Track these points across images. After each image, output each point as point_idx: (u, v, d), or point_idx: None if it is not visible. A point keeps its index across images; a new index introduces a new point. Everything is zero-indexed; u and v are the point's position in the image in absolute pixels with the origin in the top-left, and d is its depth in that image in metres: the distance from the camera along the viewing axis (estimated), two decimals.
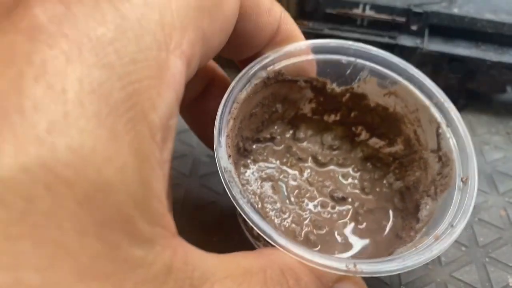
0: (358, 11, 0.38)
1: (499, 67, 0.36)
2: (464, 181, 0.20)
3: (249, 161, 0.27)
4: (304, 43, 0.23)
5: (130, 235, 0.12)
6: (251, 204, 0.18)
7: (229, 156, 0.20)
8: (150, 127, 0.13)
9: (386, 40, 0.38)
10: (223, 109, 0.21)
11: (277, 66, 0.23)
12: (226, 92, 0.21)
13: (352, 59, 0.24)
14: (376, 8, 0.37)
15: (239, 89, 0.22)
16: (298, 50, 0.23)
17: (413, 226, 0.23)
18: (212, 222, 0.28)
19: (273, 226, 0.18)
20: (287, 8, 0.39)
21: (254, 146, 0.27)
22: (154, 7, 0.14)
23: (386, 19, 0.37)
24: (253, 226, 0.18)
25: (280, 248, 0.17)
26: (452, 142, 0.22)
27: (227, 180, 0.19)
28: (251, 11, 0.20)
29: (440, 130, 0.23)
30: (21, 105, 0.10)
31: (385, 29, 0.38)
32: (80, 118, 0.11)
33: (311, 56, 0.24)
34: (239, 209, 0.18)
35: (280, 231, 0.23)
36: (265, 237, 0.17)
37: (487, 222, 0.29)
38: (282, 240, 0.17)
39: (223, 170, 0.19)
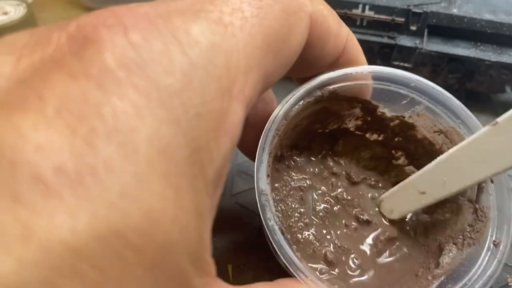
0: (357, 11, 0.38)
1: (498, 67, 0.36)
2: (496, 244, 0.20)
3: (283, 165, 0.26)
4: (366, 68, 0.23)
5: None
6: (282, 231, 0.18)
7: (268, 176, 0.19)
8: (206, 181, 0.13)
9: (385, 40, 0.38)
10: (270, 126, 0.20)
11: (333, 86, 0.23)
12: (276, 109, 0.21)
13: (411, 92, 0.24)
14: (375, 8, 0.37)
15: (290, 106, 0.21)
16: (358, 74, 0.23)
17: (431, 269, 0.22)
18: (213, 222, 0.28)
19: (299, 259, 0.18)
20: None
21: (289, 153, 0.26)
22: (221, 49, 0.13)
23: (385, 19, 0.37)
24: (283, 259, 0.17)
25: (309, 285, 0.17)
26: (492, 199, 0.21)
27: (262, 204, 0.18)
28: (319, 38, 0.19)
29: (483, 184, 0.22)
30: (95, 167, 0.10)
31: (384, 29, 0.38)
32: (150, 180, 0.11)
33: (370, 82, 0.23)
34: (269, 236, 0.18)
35: (300, 245, 0.23)
36: (291, 270, 0.17)
37: None
38: (313, 279, 0.17)
39: (260, 192, 0.19)
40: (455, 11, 0.36)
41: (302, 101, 0.22)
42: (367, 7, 0.37)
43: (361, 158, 0.27)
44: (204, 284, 0.13)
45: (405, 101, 0.24)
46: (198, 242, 0.12)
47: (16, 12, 0.43)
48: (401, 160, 0.27)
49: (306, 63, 0.20)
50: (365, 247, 0.24)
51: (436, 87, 0.23)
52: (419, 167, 0.26)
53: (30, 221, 0.09)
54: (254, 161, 0.20)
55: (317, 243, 0.24)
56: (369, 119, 0.26)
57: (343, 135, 0.27)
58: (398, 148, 0.27)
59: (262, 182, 0.19)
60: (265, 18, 0.15)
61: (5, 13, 0.43)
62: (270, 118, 0.20)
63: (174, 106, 0.12)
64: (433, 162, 0.20)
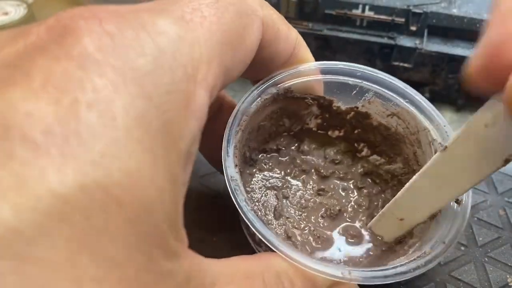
0: (357, 11, 0.38)
1: None
2: (459, 202, 0.21)
3: (254, 170, 0.27)
4: (314, 64, 0.25)
5: (163, 249, 0.13)
6: (255, 212, 0.19)
7: (236, 165, 0.21)
8: (178, 154, 0.14)
9: (385, 40, 0.38)
10: (233, 121, 0.22)
11: (287, 84, 0.24)
12: (237, 106, 0.23)
13: (358, 81, 0.25)
14: (375, 8, 0.37)
15: (248, 103, 0.23)
16: (308, 70, 0.24)
17: (407, 241, 0.23)
18: (211, 222, 0.28)
19: (273, 233, 0.18)
20: (287, 9, 0.39)
21: (260, 156, 0.28)
22: (186, 41, 0.15)
23: (385, 19, 0.37)
24: (255, 232, 0.18)
25: (280, 253, 0.18)
26: None
27: (233, 188, 0.19)
28: (270, 40, 0.21)
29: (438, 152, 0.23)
30: (78, 130, 0.11)
31: (384, 29, 0.38)
32: (128, 144, 0.12)
33: (320, 77, 0.25)
34: (243, 216, 0.19)
35: (280, 238, 0.23)
36: (266, 242, 0.18)
37: (486, 222, 0.29)
38: (282, 247, 0.18)
39: (230, 179, 0.20)
40: (455, 11, 0.36)
41: (259, 98, 0.24)
42: (367, 7, 0.38)
43: (327, 155, 0.29)
44: (178, 248, 0.14)
45: (355, 91, 0.26)
46: (173, 207, 0.14)
47: (16, 12, 0.43)
48: (365, 152, 0.29)
49: (260, 64, 0.22)
50: (342, 235, 0.26)
51: (379, 72, 0.25)
52: (381, 154, 0.28)
53: (23, 173, 0.10)
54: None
55: (297, 235, 0.25)
56: (327, 115, 0.28)
57: (307, 135, 0.29)
58: (359, 140, 0.29)
59: (231, 170, 0.20)
60: (222, 18, 0.17)
61: (6, 14, 0.43)
62: (231, 115, 0.22)
63: (146, 84, 0.13)
64: (402, 191, 0.21)
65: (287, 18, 0.23)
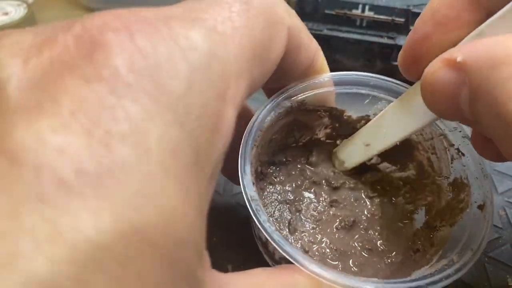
0: (357, 11, 0.38)
1: None
2: (481, 208, 0.21)
3: (265, 184, 0.27)
4: (327, 76, 0.25)
5: (190, 281, 0.13)
6: (279, 232, 0.18)
7: (253, 183, 0.20)
8: (205, 178, 0.14)
9: (385, 40, 0.38)
10: (248, 137, 0.21)
11: (301, 97, 0.24)
12: (251, 121, 0.22)
13: (371, 90, 0.25)
14: (375, 8, 0.37)
15: (263, 117, 0.23)
16: (321, 82, 0.24)
17: (427, 250, 0.23)
18: (211, 222, 0.28)
19: (301, 253, 0.18)
20: None
21: (269, 170, 0.27)
22: (217, 57, 0.14)
23: (385, 19, 0.37)
24: (285, 254, 0.18)
25: (311, 273, 0.17)
26: (467, 170, 0.22)
27: (254, 210, 0.19)
28: (293, 49, 0.21)
29: (454, 158, 0.23)
30: (112, 167, 0.10)
31: (384, 29, 0.38)
32: (163, 179, 0.11)
33: (332, 88, 0.25)
34: (268, 238, 0.18)
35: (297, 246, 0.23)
36: (296, 263, 0.18)
37: None
38: (313, 267, 0.17)
39: (250, 199, 0.19)
40: None
41: (273, 112, 0.23)
42: (367, 7, 0.37)
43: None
44: (204, 275, 0.14)
45: (367, 100, 0.26)
46: (201, 237, 0.13)
47: (16, 12, 0.43)
48: (374, 160, 0.28)
49: (280, 72, 0.21)
50: (359, 246, 0.25)
51: (392, 80, 0.25)
52: (392, 162, 0.28)
53: (57, 220, 0.10)
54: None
55: (315, 248, 0.25)
56: (337, 125, 0.28)
57: (316, 146, 0.29)
58: None
59: (250, 189, 0.19)
60: (253, 29, 0.16)
61: (6, 14, 0.43)
62: (246, 130, 0.22)
63: (179, 109, 0.12)
64: (374, 118, 0.23)
65: None
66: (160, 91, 0.12)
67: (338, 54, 0.40)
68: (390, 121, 0.22)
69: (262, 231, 0.18)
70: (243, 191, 0.19)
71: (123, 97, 0.11)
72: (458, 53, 0.14)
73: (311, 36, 0.22)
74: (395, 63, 0.38)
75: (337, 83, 0.25)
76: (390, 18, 0.37)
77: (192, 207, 0.12)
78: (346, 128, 0.27)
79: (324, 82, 0.24)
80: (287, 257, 0.18)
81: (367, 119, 0.27)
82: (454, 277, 0.18)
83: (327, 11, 0.38)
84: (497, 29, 0.15)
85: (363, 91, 0.25)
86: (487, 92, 0.13)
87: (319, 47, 0.23)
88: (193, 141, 0.13)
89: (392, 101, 0.24)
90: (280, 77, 0.22)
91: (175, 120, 0.12)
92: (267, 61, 0.18)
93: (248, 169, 0.20)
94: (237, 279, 0.16)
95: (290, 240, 0.25)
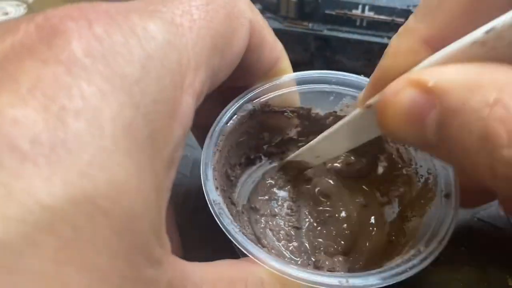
0: (357, 12, 0.38)
1: None
2: (448, 196, 0.21)
3: (239, 184, 0.28)
4: (289, 76, 0.25)
5: (147, 257, 0.13)
6: (242, 233, 0.19)
7: (217, 188, 0.21)
8: (162, 162, 0.14)
9: (385, 40, 0.38)
10: (209, 143, 0.22)
11: (264, 98, 0.25)
12: (213, 126, 0.23)
13: (334, 87, 0.26)
14: (375, 9, 0.37)
15: (224, 122, 0.23)
16: (283, 83, 0.25)
17: (399, 240, 0.23)
18: (211, 223, 0.28)
19: (267, 253, 0.18)
20: (287, 9, 0.39)
21: (241, 171, 0.28)
22: (175, 47, 0.15)
23: (385, 20, 0.37)
24: (248, 254, 0.18)
25: (279, 273, 0.18)
26: (433, 159, 0.23)
27: (217, 212, 0.19)
28: (256, 45, 0.21)
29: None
30: (66, 139, 0.11)
31: (384, 29, 0.38)
32: (115, 153, 0.12)
33: (295, 88, 0.26)
34: (231, 239, 0.19)
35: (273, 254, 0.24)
36: (260, 262, 0.18)
37: (487, 222, 0.29)
38: (282, 266, 0.18)
39: (212, 203, 0.20)
40: None
41: (236, 115, 0.24)
42: (367, 7, 0.38)
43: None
44: (162, 255, 0.14)
45: (332, 97, 0.26)
46: (157, 214, 0.14)
47: (16, 12, 0.43)
48: (345, 155, 0.29)
49: (244, 70, 0.22)
50: (334, 239, 0.26)
51: (352, 75, 0.25)
52: (363, 155, 0.29)
53: (11, 183, 0.10)
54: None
55: (289, 240, 0.25)
56: (307, 123, 0.28)
57: (289, 145, 0.29)
58: None
59: (212, 194, 0.20)
60: (212, 21, 0.17)
61: (6, 14, 0.43)
62: (207, 135, 0.22)
63: (134, 92, 0.13)
64: (320, 137, 0.24)
65: (287, 18, 0.23)
66: (115, 74, 0.13)
67: (338, 54, 0.40)
68: (338, 139, 0.23)
69: (226, 233, 0.19)
70: (205, 196, 0.20)
71: (79, 78, 0.12)
72: (427, 76, 0.14)
73: (275, 37, 0.23)
74: None
75: (300, 83, 0.26)
76: (390, 18, 0.37)
77: (147, 184, 0.13)
78: (315, 124, 0.28)
79: (286, 82, 0.25)
80: (251, 257, 0.18)
81: (334, 115, 0.27)
82: (419, 266, 0.18)
83: (327, 11, 0.38)
84: (453, 59, 0.15)
85: (326, 89, 0.26)
86: (464, 116, 0.13)
87: (283, 49, 0.24)
88: (148, 123, 0.13)
89: (355, 96, 0.25)
90: (244, 74, 0.23)
91: (130, 102, 0.13)
92: (229, 53, 0.18)
93: (210, 174, 0.21)
94: (202, 267, 0.17)
95: (264, 240, 0.25)
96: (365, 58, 0.39)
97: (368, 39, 0.38)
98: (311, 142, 0.24)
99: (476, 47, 0.14)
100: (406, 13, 0.37)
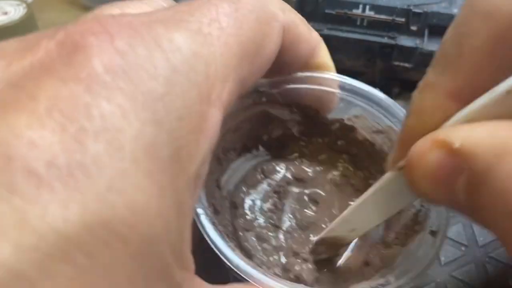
0: (358, 11, 0.38)
1: None
2: (434, 234, 0.20)
3: (229, 170, 0.27)
4: (311, 73, 0.24)
5: (168, 281, 0.13)
6: (224, 235, 0.18)
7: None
8: (187, 179, 0.14)
9: (385, 40, 0.38)
10: None
11: (275, 90, 0.23)
12: None
13: (347, 94, 0.25)
14: (375, 8, 0.37)
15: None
16: (301, 77, 0.23)
17: (375, 265, 0.23)
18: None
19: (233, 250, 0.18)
20: None
21: (235, 156, 0.27)
22: (201, 58, 0.14)
23: (385, 19, 0.37)
24: (214, 248, 0.18)
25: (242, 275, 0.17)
26: None
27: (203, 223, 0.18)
28: (290, 45, 0.20)
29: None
30: (84, 162, 0.11)
31: (384, 29, 0.38)
32: (135, 176, 0.12)
33: (312, 86, 0.24)
34: (199, 227, 0.18)
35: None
36: (225, 260, 0.17)
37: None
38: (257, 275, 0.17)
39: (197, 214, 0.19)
40: (455, 11, 0.36)
41: (240, 99, 0.22)
42: (367, 7, 0.37)
43: (306, 162, 0.28)
44: (184, 278, 0.14)
45: (342, 104, 0.25)
46: (179, 237, 0.13)
47: (16, 12, 0.43)
48: (345, 163, 0.28)
49: (278, 67, 0.21)
50: (313, 245, 0.25)
51: (368, 87, 0.24)
52: (363, 169, 0.27)
53: (25, 209, 0.10)
54: None
55: (270, 236, 0.25)
56: (311, 123, 0.27)
57: (289, 140, 0.28)
58: (342, 152, 0.28)
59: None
60: (241, 28, 0.16)
61: (5, 13, 0.43)
62: None
63: (157, 109, 0.12)
64: (352, 207, 0.21)
65: None
66: (138, 90, 0.12)
67: (339, 54, 0.40)
68: (373, 207, 0.21)
69: (197, 221, 0.18)
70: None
71: (99, 96, 0.12)
72: (453, 135, 0.13)
73: (311, 28, 0.22)
74: (396, 63, 0.38)
75: (313, 82, 0.24)
76: (390, 17, 0.37)
77: (168, 206, 0.13)
78: (320, 128, 0.27)
79: (305, 77, 0.23)
80: (217, 251, 0.17)
81: (341, 122, 0.26)
82: None
83: (327, 11, 0.38)
84: (484, 113, 0.13)
85: (338, 94, 0.25)
86: (492, 183, 0.12)
87: (321, 39, 0.22)
88: (173, 141, 0.13)
89: (366, 109, 0.24)
90: (279, 71, 0.22)
91: (153, 120, 0.12)
92: (259, 59, 0.18)
93: None
94: None
95: (237, 227, 0.24)
96: (365, 57, 0.39)
97: (368, 38, 0.38)
98: (344, 213, 0.22)
99: (510, 97, 0.12)
100: (406, 13, 0.37)
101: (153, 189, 0.12)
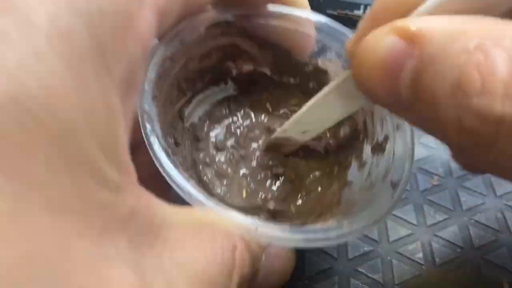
0: (359, 12, 0.38)
1: None
2: (394, 186, 0.20)
3: (194, 101, 0.26)
4: (285, 9, 0.23)
5: (98, 178, 0.12)
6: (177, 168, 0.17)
7: (155, 97, 0.18)
8: (112, 79, 0.13)
9: None
10: (160, 46, 0.19)
11: (246, 23, 0.22)
12: (172, 28, 0.19)
13: (322, 37, 0.24)
14: None
15: (189, 28, 0.20)
16: (275, 13, 0.22)
17: (332, 206, 0.22)
18: None
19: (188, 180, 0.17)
20: None
21: (201, 87, 0.26)
22: None
23: None
24: (165, 175, 0.17)
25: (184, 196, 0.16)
26: (394, 145, 0.21)
27: (145, 123, 0.17)
28: None
29: (388, 132, 0.22)
30: None
31: None
32: (50, 59, 0.11)
33: (287, 24, 0.23)
34: (151, 153, 0.17)
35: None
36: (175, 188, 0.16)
37: (483, 224, 0.29)
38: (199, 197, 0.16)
39: (143, 112, 0.18)
40: None
41: (206, 25, 0.21)
42: (368, 8, 0.38)
43: (281, 100, 0.27)
44: (122, 181, 0.13)
45: (317, 47, 0.24)
46: (108, 134, 0.13)
47: None
48: None
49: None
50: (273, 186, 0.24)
51: (347, 31, 0.23)
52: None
53: None
54: None
55: (232, 169, 0.24)
56: (283, 63, 0.26)
57: (260, 77, 0.27)
58: (313, 93, 0.27)
59: (147, 102, 0.18)
60: None
61: None
62: (162, 38, 0.19)
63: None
64: (306, 107, 0.21)
65: None
66: None
67: None
68: (327, 108, 0.21)
69: (148, 148, 0.17)
70: (138, 108, 0.18)
71: None
72: (411, 23, 0.13)
73: None
74: None
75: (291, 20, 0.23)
76: None
77: (90, 98, 0.12)
78: (291, 68, 0.26)
79: (280, 13, 0.22)
80: (166, 177, 0.16)
81: (315, 65, 0.25)
82: (331, 242, 0.17)
83: (328, 12, 0.39)
84: (447, 8, 0.14)
85: (315, 37, 0.24)
86: (442, 63, 0.12)
87: None
88: (94, 34, 0.12)
89: (342, 53, 0.23)
90: (250, 1, 0.20)
91: (69, 5, 0.12)
92: None
93: (148, 85, 0.18)
94: (169, 208, 0.15)
95: (197, 161, 0.23)
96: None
97: None
98: (297, 114, 0.22)
99: None
100: None
101: (72, 76, 0.11)
